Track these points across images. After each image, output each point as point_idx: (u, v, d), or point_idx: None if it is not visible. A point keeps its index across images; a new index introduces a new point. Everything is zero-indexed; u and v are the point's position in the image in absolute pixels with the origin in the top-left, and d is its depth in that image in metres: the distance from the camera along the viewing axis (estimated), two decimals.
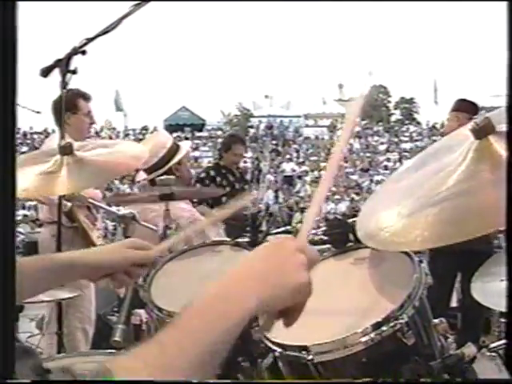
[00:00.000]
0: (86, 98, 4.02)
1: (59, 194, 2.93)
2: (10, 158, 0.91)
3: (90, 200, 3.71)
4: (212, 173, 5.35)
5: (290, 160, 27.10)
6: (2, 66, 0.88)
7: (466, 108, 4.45)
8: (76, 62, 2.57)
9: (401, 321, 1.45)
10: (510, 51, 1.08)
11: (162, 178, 2.57)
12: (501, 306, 1.66)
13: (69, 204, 3.66)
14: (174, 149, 3.71)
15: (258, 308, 0.89)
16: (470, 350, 1.49)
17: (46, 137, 8.20)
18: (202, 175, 5.48)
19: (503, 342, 1.52)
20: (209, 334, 0.84)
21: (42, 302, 2.97)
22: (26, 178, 2.29)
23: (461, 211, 1.37)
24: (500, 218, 1.31)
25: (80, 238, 3.81)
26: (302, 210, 19.26)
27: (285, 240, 0.99)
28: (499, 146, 1.43)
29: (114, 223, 16.97)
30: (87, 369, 0.82)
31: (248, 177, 5.88)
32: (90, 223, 3.91)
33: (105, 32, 2.52)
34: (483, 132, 1.47)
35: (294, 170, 25.60)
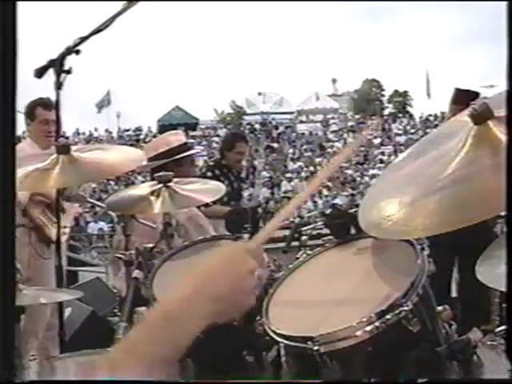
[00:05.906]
0: (46, 106, 3.96)
1: (50, 188, 3.01)
2: (10, 161, 0.90)
3: (89, 199, 3.72)
4: (216, 171, 5.20)
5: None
6: (2, 65, 0.87)
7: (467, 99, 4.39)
8: (69, 61, 2.56)
9: (405, 308, 1.45)
10: (509, 49, 1.08)
11: (161, 174, 2.55)
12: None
13: (22, 202, 3.67)
14: (183, 148, 3.75)
15: (206, 324, 0.97)
16: (475, 335, 1.48)
17: None
18: (208, 174, 5.32)
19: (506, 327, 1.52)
20: (157, 347, 0.92)
21: (42, 303, 2.96)
22: (23, 173, 2.39)
23: (461, 198, 1.37)
24: (500, 203, 1.31)
25: (36, 236, 3.82)
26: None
27: (236, 251, 1.05)
28: (498, 131, 1.43)
29: (110, 224, 16.91)
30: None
31: (243, 174, 5.75)
32: (47, 221, 3.87)
33: (97, 31, 2.50)
34: (482, 117, 1.46)
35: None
